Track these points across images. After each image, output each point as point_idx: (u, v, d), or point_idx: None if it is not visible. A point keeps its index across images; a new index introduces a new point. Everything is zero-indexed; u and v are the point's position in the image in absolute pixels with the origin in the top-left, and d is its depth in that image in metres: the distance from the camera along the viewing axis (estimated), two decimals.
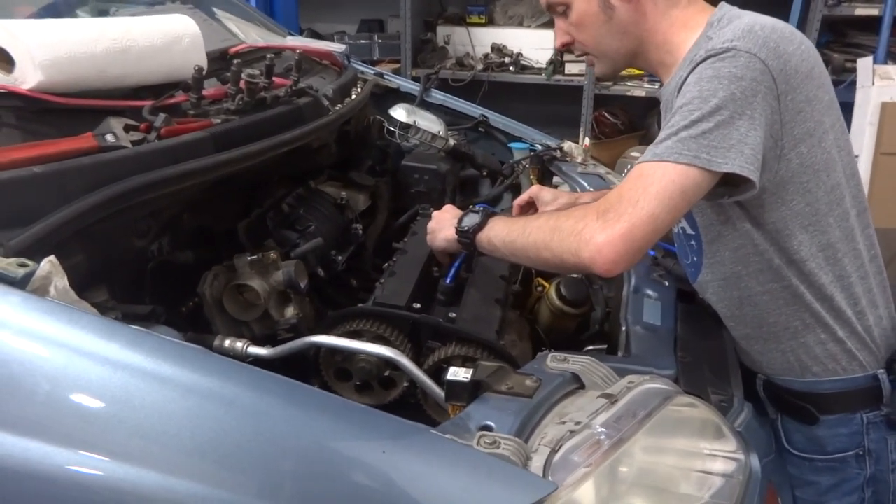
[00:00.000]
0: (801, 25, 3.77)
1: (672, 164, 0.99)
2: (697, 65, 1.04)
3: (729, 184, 1.04)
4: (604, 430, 0.79)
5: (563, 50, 1.29)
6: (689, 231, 1.24)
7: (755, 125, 1.00)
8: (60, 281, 0.80)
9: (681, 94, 1.05)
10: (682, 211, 1.01)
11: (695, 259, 1.25)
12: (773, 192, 1.08)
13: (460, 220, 1.24)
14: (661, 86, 1.23)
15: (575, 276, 1.48)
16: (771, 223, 1.11)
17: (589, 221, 1.00)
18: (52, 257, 0.80)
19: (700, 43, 1.11)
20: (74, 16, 1.70)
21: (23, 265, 0.77)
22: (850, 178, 1.15)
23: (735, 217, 1.13)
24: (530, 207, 1.48)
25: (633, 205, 0.97)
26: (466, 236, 1.22)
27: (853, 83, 3.49)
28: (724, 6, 1.18)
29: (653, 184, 0.98)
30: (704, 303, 1.31)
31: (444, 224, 1.31)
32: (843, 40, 3.91)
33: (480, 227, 1.20)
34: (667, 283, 1.39)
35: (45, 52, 1.02)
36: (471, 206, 1.27)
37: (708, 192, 1.02)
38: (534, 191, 1.50)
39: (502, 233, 1.17)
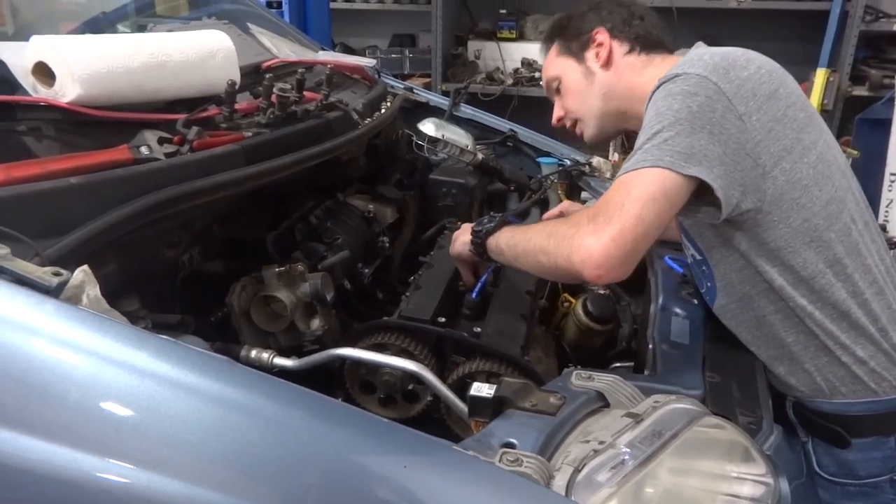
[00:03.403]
0: (839, 41, 3.72)
1: (647, 169, 1.01)
2: (653, 92, 1.09)
3: (707, 198, 1.05)
4: (628, 450, 0.78)
5: (559, 126, 1.43)
6: (698, 256, 1.25)
7: (714, 140, 1.02)
8: (93, 290, 0.81)
9: (643, 121, 1.09)
10: (668, 214, 1.02)
11: (709, 285, 1.25)
12: (768, 212, 1.08)
13: (478, 223, 1.28)
14: None
15: (602, 292, 1.47)
16: (771, 241, 1.11)
17: (581, 227, 1.01)
18: (85, 266, 0.82)
19: None
20: (115, 31, 1.75)
21: (57, 274, 0.78)
22: (847, 191, 1.15)
23: (731, 238, 1.13)
24: None
25: (620, 208, 0.99)
26: (479, 237, 1.25)
27: (892, 99, 3.43)
28: (696, 46, 1.23)
29: (634, 187, 1.01)
30: None
31: (465, 231, 1.34)
32: (881, 56, 3.84)
33: (493, 231, 1.24)
34: (695, 302, 1.37)
35: (84, 67, 1.05)
36: (492, 213, 1.30)
37: (691, 206, 1.06)
38: (564, 206, 1.52)
39: (508, 237, 1.20)
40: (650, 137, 1.04)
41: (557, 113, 1.42)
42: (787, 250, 1.11)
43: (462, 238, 1.33)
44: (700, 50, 1.17)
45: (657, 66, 1.28)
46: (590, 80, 1.33)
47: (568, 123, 1.41)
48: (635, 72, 1.30)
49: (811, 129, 1.12)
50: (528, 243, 1.13)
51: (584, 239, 0.99)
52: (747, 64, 1.09)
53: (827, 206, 1.11)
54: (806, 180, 1.09)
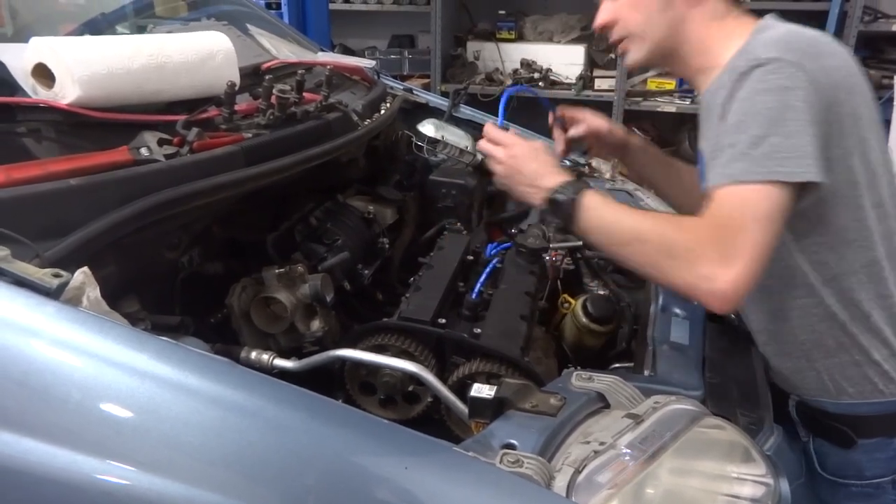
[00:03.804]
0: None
1: (761, 185, 0.97)
2: (743, 75, 1.03)
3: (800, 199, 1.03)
4: (629, 450, 0.78)
5: (601, 31, 1.26)
6: None
7: (811, 132, 0.99)
8: (93, 291, 0.81)
9: (734, 110, 1.03)
10: (783, 228, 1.00)
11: None
12: (822, 205, 1.07)
13: (552, 200, 1.13)
14: (698, 93, 1.23)
15: (601, 292, 1.47)
16: (812, 236, 1.10)
17: (702, 248, 0.96)
18: (85, 268, 0.82)
19: (741, 51, 1.10)
20: (114, 32, 1.75)
21: (57, 275, 0.78)
22: (894, 195, 1.15)
23: None
24: (574, 122, 1.51)
25: (744, 233, 0.95)
26: (561, 218, 1.14)
27: (890, 100, 3.43)
28: (768, 18, 1.17)
29: (752, 206, 0.97)
30: (734, 322, 1.29)
31: (523, 176, 1.21)
32: (879, 56, 3.85)
33: (575, 208, 1.10)
34: (696, 302, 1.37)
35: (84, 69, 1.05)
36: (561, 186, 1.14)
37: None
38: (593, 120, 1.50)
39: (602, 233, 1.09)
40: (756, 143, 0.98)
41: (606, 18, 1.24)
42: (826, 246, 1.10)
43: (532, 196, 1.18)
44: (783, 28, 1.11)
45: (732, 25, 1.17)
46: (667, 4, 1.18)
47: (613, 36, 1.25)
48: (710, 18, 1.18)
49: (874, 130, 1.11)
50: (635, 253, 1.05)
51: (711, 269, 0.95)
52: (834, 52, 1.07)
53: (878, 208, 1.10)
54: (863, 181, 1.08)
